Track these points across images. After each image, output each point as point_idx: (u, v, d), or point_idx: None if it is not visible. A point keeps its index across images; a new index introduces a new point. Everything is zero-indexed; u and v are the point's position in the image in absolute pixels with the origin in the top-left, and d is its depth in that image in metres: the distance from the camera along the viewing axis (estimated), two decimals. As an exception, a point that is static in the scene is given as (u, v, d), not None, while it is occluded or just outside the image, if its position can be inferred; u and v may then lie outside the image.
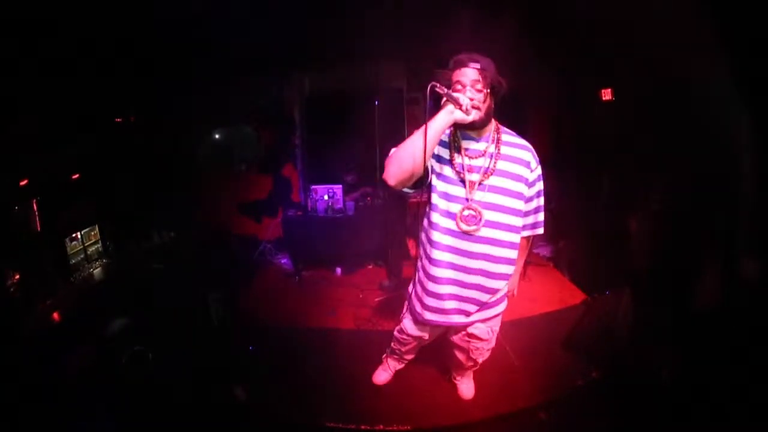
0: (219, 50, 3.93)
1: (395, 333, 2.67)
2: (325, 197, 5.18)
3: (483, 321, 2.29)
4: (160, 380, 2.85)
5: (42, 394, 2.28)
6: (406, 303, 2.47)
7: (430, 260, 2.14)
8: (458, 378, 2.89)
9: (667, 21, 2.62)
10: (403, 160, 1.86)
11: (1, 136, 2.67)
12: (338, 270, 5.10)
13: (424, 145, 1.81)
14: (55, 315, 2.68)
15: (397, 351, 2.77)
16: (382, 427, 2.59)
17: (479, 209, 2.00)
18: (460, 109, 1.84)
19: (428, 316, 2.24)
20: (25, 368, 2.26)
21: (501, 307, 2.32)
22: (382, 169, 1.96)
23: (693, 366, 2.51)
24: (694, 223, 2.87)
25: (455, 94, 1.84)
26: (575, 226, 4.60)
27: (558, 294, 4.30)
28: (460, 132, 2.07)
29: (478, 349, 2.43)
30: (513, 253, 2.12)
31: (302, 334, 3.68)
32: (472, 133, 2.05)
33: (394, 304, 4.03)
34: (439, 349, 2.97)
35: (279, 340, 3.53)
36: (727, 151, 2.54)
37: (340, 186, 5.24)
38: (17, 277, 2.68)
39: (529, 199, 2.12)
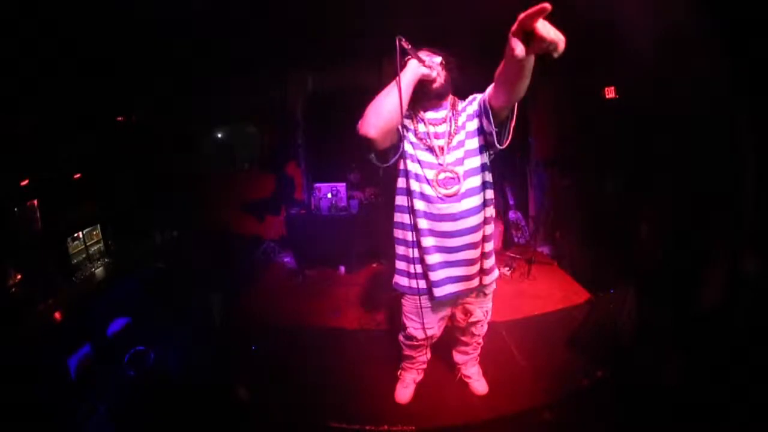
0: (220, 49, 3.92)
1: (403, 341, 2.66)
2: (329, 195, 5.18)
3: (479, 301, 2.42)
4: (162, 380, 2.85)
5: (43, 395, 2.28)
6: (404, 308, 2.49)
7: (419, 233, 2.17)
8: (469, 376, 2.90)
9: (669, 18, 2.61)
10: (381, 108, 1.89)
11: (1, 136, 2.67)
12: (342, 269, 5.09)
13: (399, 93, 1.86)
14: (57, 314, 2.68)
15: (411, 358, 2.76)
16: (386, 427, 2.57)
17: (454, 170, 2.09)
18: (424, 64, 1.92)
19: (438, 293, 2.23)
20: (26, 368, 2.26)
21: (493, 285, 2.40)
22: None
23: (697, 365, 2.48)
24: (698, 222, 2.85)
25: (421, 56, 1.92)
26: (579, 225, 4.58)
27: (562, 293, 4.27)
28: (420, 104, 2.15)
29: (477, 327, 2.58)
30: (491, 192, 2.19)
31: (305, 334, 3.67)
32: (431, 106, 2.16)
33: (398, 303, 4.02)
34: (443, 351, 2.99)
35: (282, 340, 3.53)
36: (731, 149, 2.53)
37: (344, 184, 5.23)
38: (19, 276, 2.68)
39: (478, 114, 2.09)
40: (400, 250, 2.33)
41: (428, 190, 2.11)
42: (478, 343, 2.79)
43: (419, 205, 2.14)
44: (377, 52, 4.88)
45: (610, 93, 3.77)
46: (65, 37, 2.82)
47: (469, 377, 2.91)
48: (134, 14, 2.90)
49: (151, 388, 2.78)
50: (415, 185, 2.13)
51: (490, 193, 2.19)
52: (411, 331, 2.49)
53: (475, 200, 2.14)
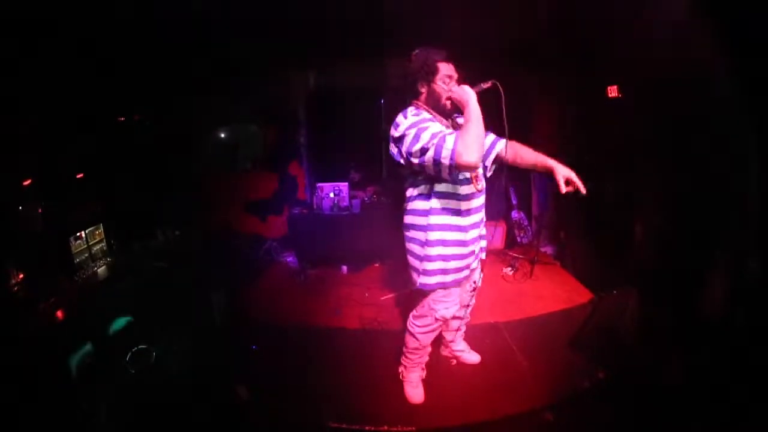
0: (222, 48, 3.92)
1: (427, 330, 2.66)
2: (331, 195, 5.18)
3: (476, 269, 2.68)
4: (163, 379, 2.85)
5: (43, 394, 2.28)
6: (434, 295, 2.54)
7: (461, 228, 2.39)
8: (461, 350, 3.12)
9: (672, 16, 2.60)
10: (478, 139, 2.08)
11: (3, 136, 2.68)
12: (344, 268, 5.09)
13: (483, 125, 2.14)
14: (59, 313, 2.68)
15: (420, 351, 2.78)
16: (386, 427, 2.57)
17: (478, 170, 2.41)
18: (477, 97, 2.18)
19: (458, 276, 2.48)
20: (27, 367, 2.26)
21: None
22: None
23: (699, 367, 2.47)
24: (700, 223, 2.84)
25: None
26: (582, 225, 4.56)
27: (565, 293, 4.27)
28: (452, 113, 2.40)
29: (474, 293, 2.82)
30: None
31: (307, 333, 3.67)
32: (458, 114, 2.37)
33: (400, 303, 4.02)
34: (440, 352, 3.02)
35: (283, 339, 3.53)
36: (735, 150, 2.51)
37: (346, 183, 5.23)
38: (21, 276, 2.69)
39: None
40: (436, 250, 2.41)
41: (470, 188, 2.39)
42: (468, 318, 3.03)
43: (464, 204, 2.38)
44: (379, 51, 4.89)
45: (613, 92, 3.76)
46: (65, 37, 2.83)
47: (461, 351, 3.11)
48: (135, 14, 2.91)
49: (152, 387, 2.78)
50: (459, 188, 2.36)
51: None
52: (443, 312, 2.55)
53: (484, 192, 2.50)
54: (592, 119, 4.15)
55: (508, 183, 5.53)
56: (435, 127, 2.17)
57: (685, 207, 3.02)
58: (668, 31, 2.69)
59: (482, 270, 2.72)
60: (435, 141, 2.10)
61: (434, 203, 2.35)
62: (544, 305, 4.02)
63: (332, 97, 5.49)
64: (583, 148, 4.34)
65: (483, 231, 2.60)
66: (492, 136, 2.46)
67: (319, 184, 5.26)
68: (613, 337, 3.10)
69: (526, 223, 5.59)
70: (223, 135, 5.58)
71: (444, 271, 2.43)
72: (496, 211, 5.69)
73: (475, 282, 2.71)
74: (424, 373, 2.92)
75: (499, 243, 5.61)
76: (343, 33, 3.89)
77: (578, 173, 2.21)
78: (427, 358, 2.89)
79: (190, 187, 4.60)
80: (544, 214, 5.48)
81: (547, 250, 5.33)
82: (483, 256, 2.68)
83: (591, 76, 3.93)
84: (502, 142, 2.40)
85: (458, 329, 3.04)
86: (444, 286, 2.47)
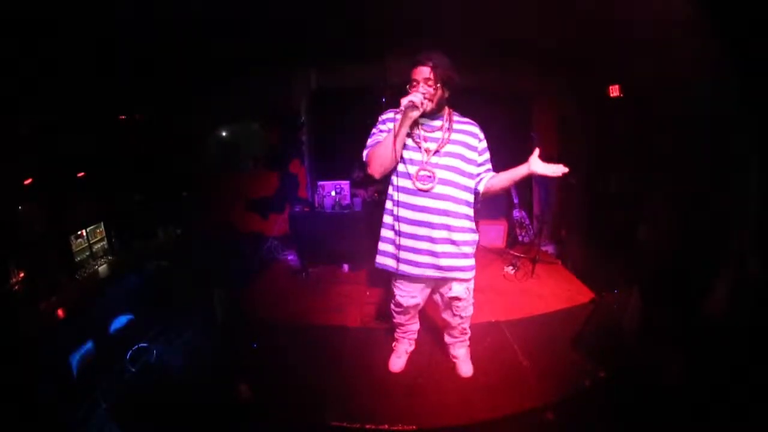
0: (223, 48, 3.92)
1: (393, 308, 2.96)
2: (333, 193, 5.17)
3: (458, 281, 2.61)
4: (164, 377, 2.86)
5: (45, 392, 2.29)
6: (392, 278, 2.78)
7: (398, 218, 2.49)
8: (456, 357, 3.05)
9: (674, 16, 2.60)
10: (383, 159, 2.37)
11: (5, 135, 2.68)
12: (345, 267, 5.08)
13: (394, 146, 2.31)
14: (60, 311, 2.69)
15: (401, 325, 3.03)
16: (387, 426, 2.57)
17: (433, 171, 2.40)
18: (416, 108, 2.24)
19: (403, 267, 2.56)
20: (28, 366, 2.27)
21: (472, 272, 2.61)
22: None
23: (700, 367, 2.46)
24: (702, 223, 2.83)
25: (408, 98, 2.22)
26: (583, 224, 4.56)
27: (566, 292, 4.26)
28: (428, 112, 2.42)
29: (459, 307, 2.73)
30: (469, 210, 2.52)
31: (308, 332, 3.66)
32: (427, 116, 2.42)
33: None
34: (443, 350, 3.04)
35: (284, 338, 3.52)
36: (736, 150, 2.51)
37: (348, 182, 5.22)
38: (22, 274, 2.69)
39: (482, 163, 2.53)
40: (387, 233, 2.62)
41: (408, 183, 2.44)
42: (464, 328, 2.93)
43: (402, 196, 2.46)
44: (380, 51, 4.88)
45: (614, 91, 3.75)
46: (65, 37, 2.83)
47: (456, 357, 3.06)
48: (135, 14, 2.90)
49: (152, 385, 2.79)
50: (399, 180, 2.45)
51: (465, 198, 2.50)
52: (398, 298, 2.80)
53: (451, 203, 2.44)
54: (594, 119, 4.14)
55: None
56: (376, 136, 2.51)
57: (686, 206, 3.01)
58: (669, 31, 2.68)
59: (462, 282, 2.61)
60: (366, 144, 2.52)
61: (390, 190, 2.52)
62: (545, 304, 4.02)
63: (334, 96, 5.49)
64: (584, 148, 4.34)
65: (441, 235, 2.46)
66: (484, 168, 2.55)
67: (321, 183, 5.25)
68: (614, 336, 3.10)
69: (527, 221, 5.58)
70: (224, 134, 5.58)
71: (383, 252, 2.66)
72: (497, 209, 5.70)
73: (450, 289, 2.63)
74: (411, 347, 3.15)
75: (500, 242, 5.61)
76: (345, 31, 3.88)
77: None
78: (415, 336, 3.13)
79: (191, 186, 4.59)
80: (545, 213, 5.48)
81: (549, 249, 5.32)
82: (459, 275, 2.55)
83: (592, 75, 3.92)
84: (484, 179, 2.52)
85: (452, 335, 2.98)
86: (384, 267, 2.67)
